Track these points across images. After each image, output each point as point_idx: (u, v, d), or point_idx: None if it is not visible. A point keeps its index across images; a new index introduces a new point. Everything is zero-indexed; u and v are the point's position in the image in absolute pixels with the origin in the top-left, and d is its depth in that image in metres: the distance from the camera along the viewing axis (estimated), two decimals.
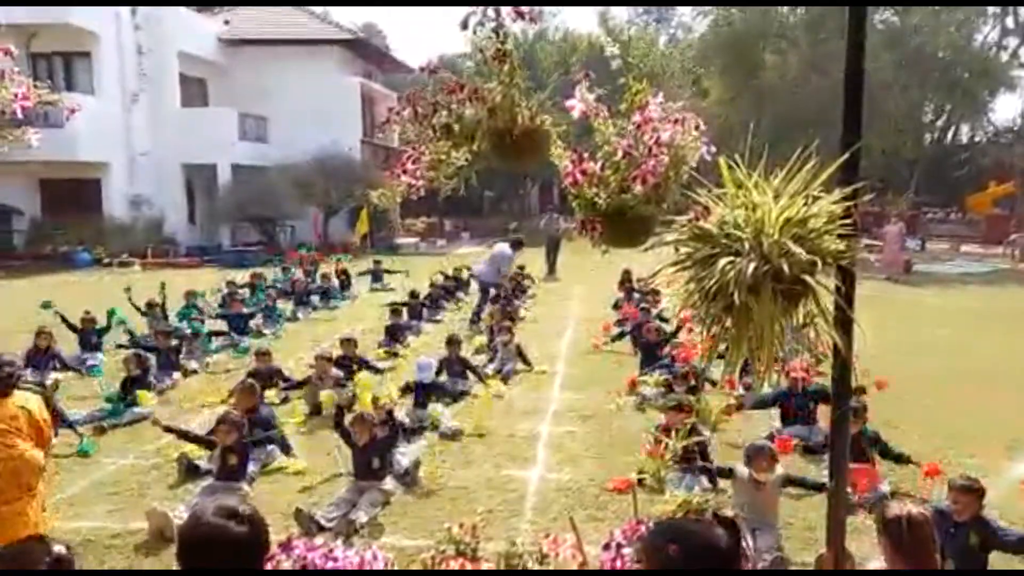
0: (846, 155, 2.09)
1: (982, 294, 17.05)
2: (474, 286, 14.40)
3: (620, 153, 2.21)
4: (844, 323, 2.14)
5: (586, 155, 2.26)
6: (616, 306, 13.05)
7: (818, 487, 4.91)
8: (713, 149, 2.25)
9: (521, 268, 16.17)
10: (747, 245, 2.02)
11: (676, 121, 2.21)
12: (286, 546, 3.34)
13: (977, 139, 37.60)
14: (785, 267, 1.92)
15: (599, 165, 2.25)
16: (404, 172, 2.28)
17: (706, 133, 2.38)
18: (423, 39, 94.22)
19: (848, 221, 2.06)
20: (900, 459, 5.76)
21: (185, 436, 5.99)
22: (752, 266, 1.95)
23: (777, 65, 29.65)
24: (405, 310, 11.62)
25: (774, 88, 28.35)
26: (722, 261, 1.99)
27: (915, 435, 6.73)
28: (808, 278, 1.95)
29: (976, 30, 31.51)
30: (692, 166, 2.26)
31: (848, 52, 2.08)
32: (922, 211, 30.95)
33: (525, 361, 9.35)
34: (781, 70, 29.22)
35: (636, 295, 12.72)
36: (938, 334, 11.92)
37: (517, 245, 13.25)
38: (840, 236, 2.08)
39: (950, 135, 36.01)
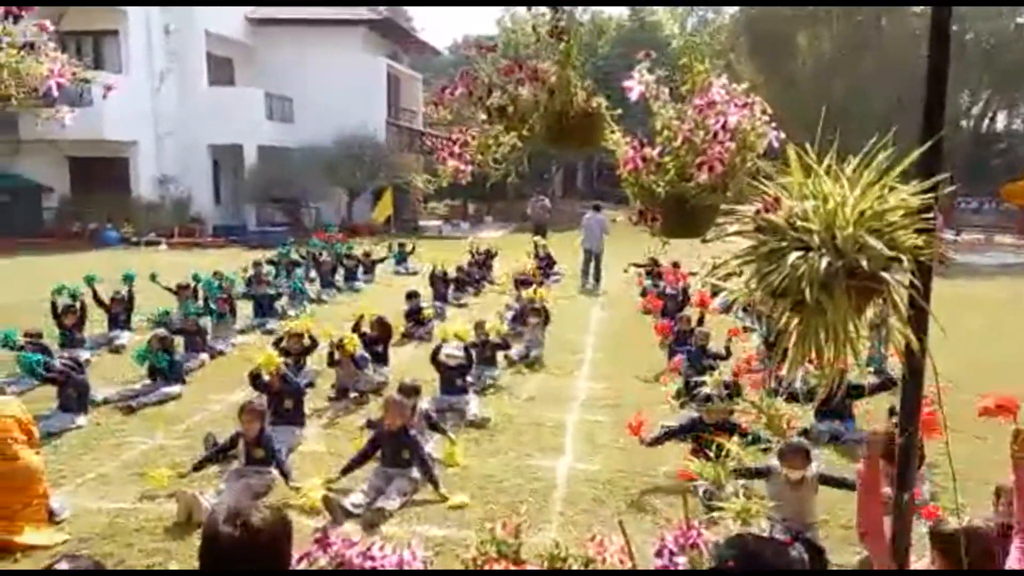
0: (928, 143, 1.95)
1: (1015, 285, 16.65)
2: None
3: (680, 139, 2.08)
4: (919, 322, 2.00)
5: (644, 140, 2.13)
6: (643, 294, 13.02)
7: (852, 486, 4.74)
8: (782, 135, 2.11)
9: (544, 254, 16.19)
10: (818, 239, 1.88)
11: (744, 105, 2.07)
12: (322, 542, 3.25)
13: (1015, 127, 36.70)
14: (864, 263, 1.78)
15: (657, 151, 2.13)
16: (451, 155, 2.17)
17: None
18: (449, 20, 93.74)
19: (928, 215, 1.92)
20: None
21: (215, 454, 5.71)
22: (825, 261, 1.81)
23: (811, 48, 29.02)
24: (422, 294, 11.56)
25: (806, 71, 27.76)
26: (792, 256, 1.86)
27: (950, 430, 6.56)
28: (886, 275, 1.82)
29: (1019, 15, 30.64)
30: (759, 153, 2.12)
31: (931, 39, 1.93)
32: (956, 201, 30.26)
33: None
34: (815, 53, 28.60)
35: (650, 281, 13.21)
36: (971, 326, 11.62)
37: (599, 208, 15.81)
38: (917, 231, 1.94)
39: (986, 123, 35.16)
